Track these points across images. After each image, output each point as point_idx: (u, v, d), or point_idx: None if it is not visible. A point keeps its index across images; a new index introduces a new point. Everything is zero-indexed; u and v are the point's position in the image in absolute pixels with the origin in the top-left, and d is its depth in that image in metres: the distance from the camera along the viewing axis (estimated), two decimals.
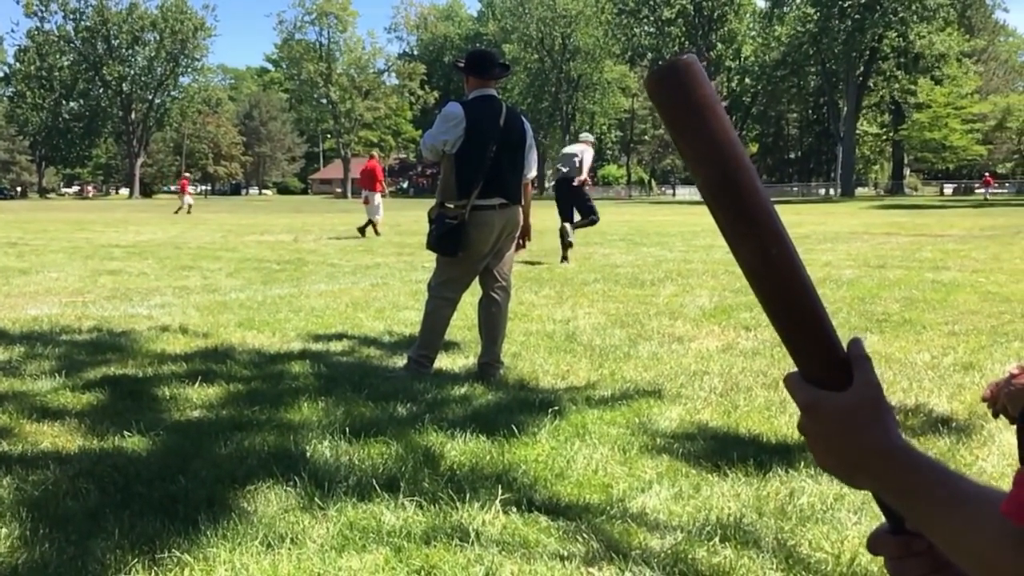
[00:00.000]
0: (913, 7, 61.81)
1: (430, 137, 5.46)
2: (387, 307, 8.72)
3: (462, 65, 5.58)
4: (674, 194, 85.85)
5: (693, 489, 3.52)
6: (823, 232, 21.33)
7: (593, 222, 14.17)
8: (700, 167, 0.98)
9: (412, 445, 4.03)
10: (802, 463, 3.75)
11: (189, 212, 37.72)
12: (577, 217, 13.95)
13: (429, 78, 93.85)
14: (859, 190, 78.35)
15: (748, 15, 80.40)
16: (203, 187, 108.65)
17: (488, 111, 5.42)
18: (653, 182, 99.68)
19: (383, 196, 20.72)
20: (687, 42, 78.48)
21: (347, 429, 4.20)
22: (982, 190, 59.31)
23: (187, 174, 47.46)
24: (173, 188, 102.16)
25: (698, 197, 66.19)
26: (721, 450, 4.00)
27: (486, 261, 5.56)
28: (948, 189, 78.15)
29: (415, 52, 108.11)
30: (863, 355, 1.00)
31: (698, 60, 1.02)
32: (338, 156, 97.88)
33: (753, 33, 79.90)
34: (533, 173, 5.73)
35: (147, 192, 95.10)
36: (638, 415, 4.60)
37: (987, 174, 60.04)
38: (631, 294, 9.58)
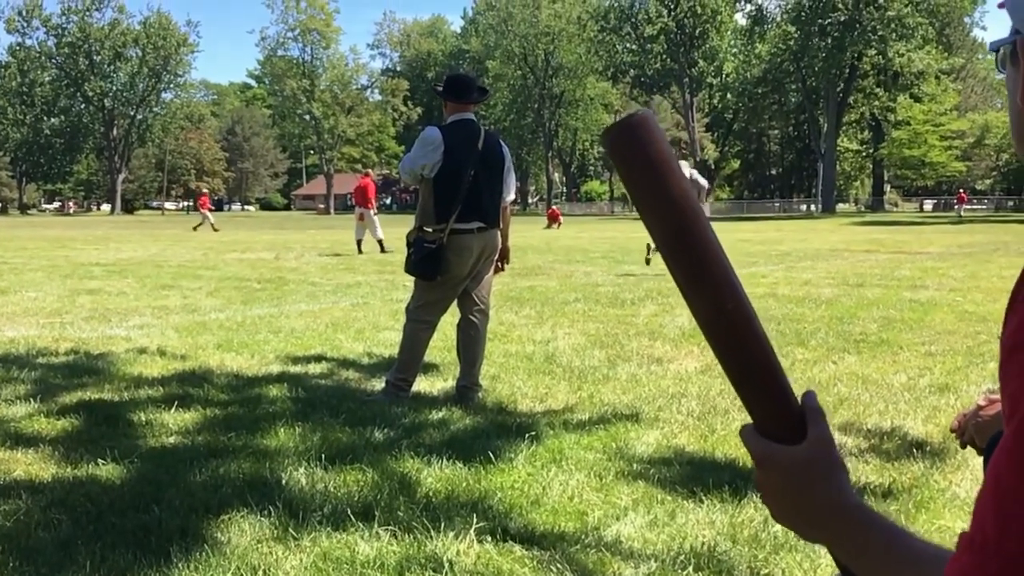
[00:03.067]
0: (892, 25, 62.40)
1: (408, 161, 5.49)
2: (367, 327, 8.70)
3: (440, 89, 5.61)
4: None
5: (668, 516, 3.52)
6: (803, 249, 21.44)
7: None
8: (656, 221, 0.99)
9: (388, 472, 4.03)
10: None
11: (197, 228, 36.80)
12: None
13: (412, 94, 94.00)
14: (840, 206, 78.90)
15: (729, 32, 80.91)
16: (185, 203, 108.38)
17: (466, 135, 5.44)
18: None
19: (374, 213, 20.84)
20: (668, 59, 78.95)
21: (323, 455, 4.19)
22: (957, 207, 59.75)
23: (205, 190, 47.15)
24: (155, 204, 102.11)
25: None
26: (697, 475, 4.01)
27: (465, 284, 5.57)
28: (928, 205, 78.73)
29: (398, 68, 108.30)
30: (817, 408, 1.01)
31: (653, 116, 1.03)
32: (321, 172, 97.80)
33: (734, 50, 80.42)
34: (512, 196, 5.74)
35: (129, 208, 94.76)
36: (615, 439, 4.60)
37: (961, 191, 60.49)
38: (611, 314, 9.60)
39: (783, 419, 1.01)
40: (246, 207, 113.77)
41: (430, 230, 5.40)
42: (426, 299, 5.55)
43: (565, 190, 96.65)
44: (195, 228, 37.32)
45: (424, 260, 5.37)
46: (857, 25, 62.70)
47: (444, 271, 5.38)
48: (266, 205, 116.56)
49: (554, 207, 53.52)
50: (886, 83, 69.09)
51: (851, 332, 8.25)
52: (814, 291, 11.66)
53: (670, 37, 77.85)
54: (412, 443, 4.48)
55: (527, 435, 4.56)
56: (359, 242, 21.09)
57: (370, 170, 23.09)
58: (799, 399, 1.02)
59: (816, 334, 8.12)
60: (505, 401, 5.56)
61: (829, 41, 63.60)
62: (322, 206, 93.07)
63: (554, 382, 6.17)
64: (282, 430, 4.68)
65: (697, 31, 78.42)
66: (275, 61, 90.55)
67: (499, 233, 5.62)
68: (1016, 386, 0.77)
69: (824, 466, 0.98)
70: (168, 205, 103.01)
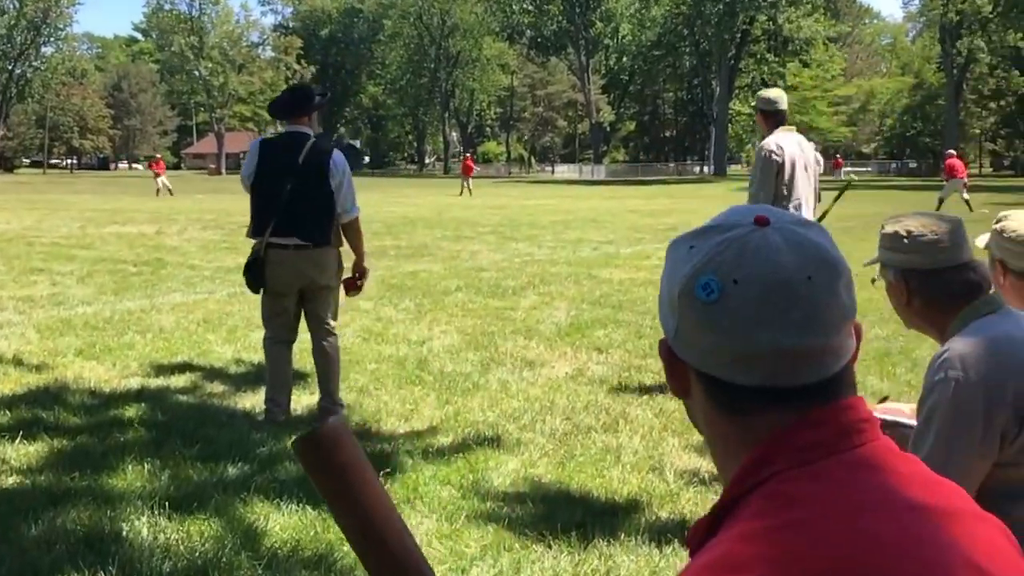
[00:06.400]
0: None
1: (242, 169, 5.45)
2: (240, 325, 8.51)
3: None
4: (553, 171, 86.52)
5: (513, 569, 3.53)
6: (691, 223, 21.60)
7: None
8: (347, 525, 1.07)
9: (235, 520, 3.94)
10: (622, 533, 3.81)
11: (171, 194, 36.85)
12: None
13: (306, 52, 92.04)
14: (732, 167, 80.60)
15: None
16: (68, 161, 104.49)
17: (288, 148, 5.28)
18: (533, 159, 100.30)
19: None
20: (565, 20, 78.90)
21: (169, 500, 4.08)
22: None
23: (158, 155, 45.94)
24: (54, 161, 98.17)
25: (576, 176, 66.41)
26: (549, 514, 4.02)
27: (294, 301, 5.42)
28: None
29: (291, 25, 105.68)
30: None
31: (343, 425, 1.07)
32: (211, 130, 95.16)
33: (630, 13, 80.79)
34: (353, 214, 5.43)
35: (8, 167, 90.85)
36: (473, 470, 4.59)
37: (838, 156, 62.10)
38: (491, 307, 9.59)
39: None
40: (134, 166, 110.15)
41: (254, 241, 5.32)
42: (263, 312, 5.50)
43: (462, 150, 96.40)
44: (165, 192, 37.13)
45: (247, 271, 5.34)
46: None
47: (265, 285, 5.31)
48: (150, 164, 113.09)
49: (468, 156, 47.42)
50: (776, 49, 70.49)
51: None
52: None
53: None
54: (265, 480, 4.39)
55: (384, 469, 4.51)
56: None
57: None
58: None
59: None
60: (370, 421, 5.50)
61: (721, 6, 64.41)
62: (213, 166, 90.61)
63: (423, 393, 6.14)
64: (131, 467, 4.54)
65: None
66: (161, 15, 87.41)
67: (327, 252, 5.38)
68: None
69: None
70: (54, 162, 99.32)
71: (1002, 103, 77.72)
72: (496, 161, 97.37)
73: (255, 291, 5.40)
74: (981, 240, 2.68)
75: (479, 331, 8.29)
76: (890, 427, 2.71)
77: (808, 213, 6.04)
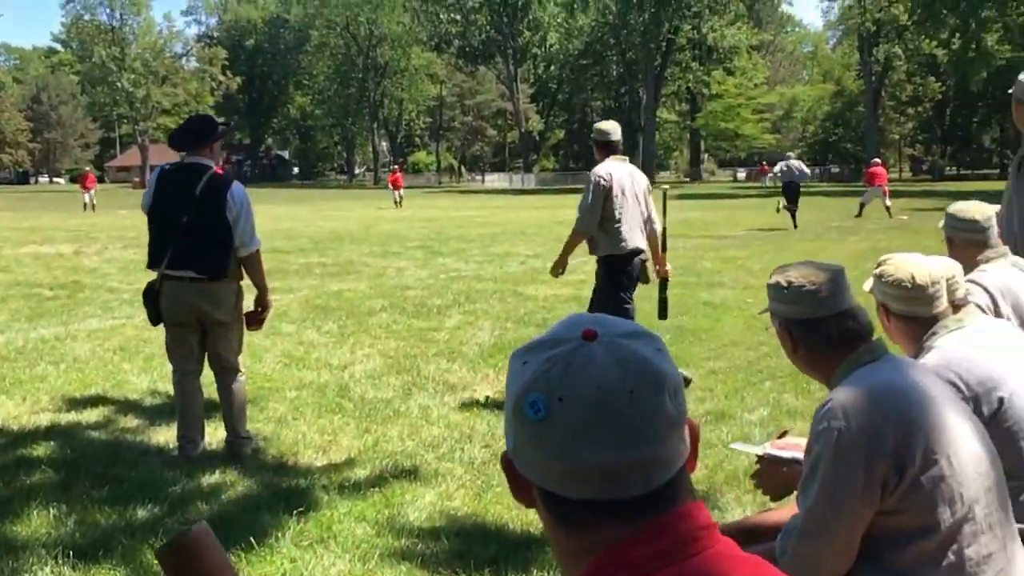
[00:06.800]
0: (705, 1, 64.52)
1: (142, 199, 5.36)
2: (157, 352, 8.28)
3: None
4: (483, 181, 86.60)
5: None
6: None
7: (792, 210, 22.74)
8: None
9: (141, 567, 3.86)
10: (535, 568, 3.82)
11: (94, 210, 37.21)
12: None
13: (231, 63, 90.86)
14: (662, 174, 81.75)
15: (552, 3, 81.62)
16: None
17: (184, 179, 5.16)
18: (463, 168, 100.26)
19: None
20: (492, 29, 79.13)
21: (74, 549, 3.98)
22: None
23: (87, 169, 45.03)
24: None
25: (507, 185, 66.25)
26: (464, 550, 4.01)
27: (194, 332, 5.31)
28: (741, 174, 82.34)
29: (215, 35, 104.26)
30: None
31: (207, 532, 1.05)
32: (135, 143, 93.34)
33: (557, 22, 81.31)
34: (252, 247, 5.26)
35: None
36: (389, 504, 4.56)
37: (763, 163, 63.04)
38: (415, 327, 9.55)
39: None
40: (55, 180, 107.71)
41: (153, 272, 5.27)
42: (166, 343, 5.45)
43: (391, 159, 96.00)
44: (90, 207, 37.73)
45: (145, 302, 5.27)
46: (673, 1, 64.51)
47: (163, 316, 5.26)
48: (77, 177, 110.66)
49: (396, 170, 43.85)
50: (701, 57, 71.58)
51: None
52: None
53: (493, 7, 77.98)
54: (175, 522, 4.30)
55: (298, 508, 4.44)
56: None
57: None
58: None
59: None
60: (287, 454, 5.43)
61: (646, 16, 65.22)
62: (137, 179, 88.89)
63: (343, 422, 6.08)
64: (36, 512, 4.42)
65: (520, 2, 78.80)
66: (81, 26, 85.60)
67: (229, 286, 5.25)
68: None
69: None
70: None
71: (919, 109, 79.85)
72: (426, 171, 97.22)
73: (154, 324, 5.35)
74: (867, 285, 2.75)
75: (402, 354, 8.25)
76: (786, 463, 2.76)
77: (638, 237, 6.73)
